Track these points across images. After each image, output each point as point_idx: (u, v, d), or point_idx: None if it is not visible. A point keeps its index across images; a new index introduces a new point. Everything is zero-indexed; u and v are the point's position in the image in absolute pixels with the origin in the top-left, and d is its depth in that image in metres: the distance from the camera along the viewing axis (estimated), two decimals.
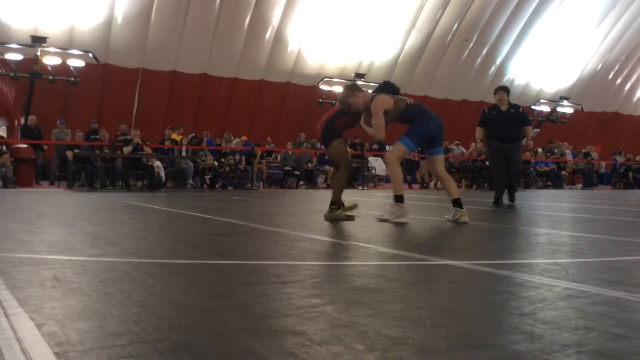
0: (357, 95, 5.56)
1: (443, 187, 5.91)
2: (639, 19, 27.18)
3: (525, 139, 9.07)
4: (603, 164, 23.94)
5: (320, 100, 21.58)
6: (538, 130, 22.14)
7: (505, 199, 8.93)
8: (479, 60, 25.16)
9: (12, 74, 16.74)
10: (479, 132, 9.12)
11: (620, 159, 23.19)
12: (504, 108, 8.84)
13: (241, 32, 20.36)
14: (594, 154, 23.48)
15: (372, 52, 22.83)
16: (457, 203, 5.54)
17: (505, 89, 9.08)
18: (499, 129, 8.79)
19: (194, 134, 17.39)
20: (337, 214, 5.57)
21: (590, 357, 1.50)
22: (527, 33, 25.28)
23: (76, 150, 13.67)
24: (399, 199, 5.48)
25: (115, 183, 13.87)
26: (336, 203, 5.61)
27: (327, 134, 5.71)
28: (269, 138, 18.72)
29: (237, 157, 15.54)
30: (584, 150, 23.23)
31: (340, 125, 5.79)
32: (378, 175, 19.68)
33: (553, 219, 6.63)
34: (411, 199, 10.21)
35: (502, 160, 8.87)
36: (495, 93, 9.11)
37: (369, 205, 8.33)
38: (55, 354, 1.48)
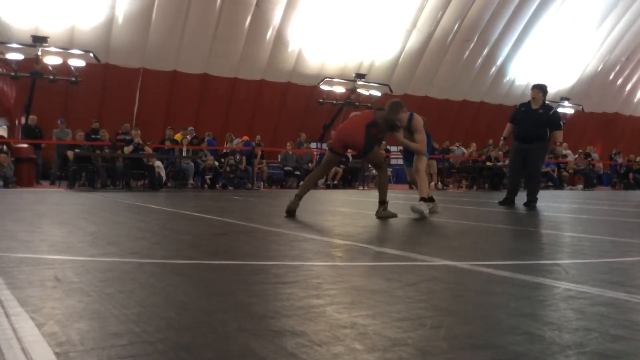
0: (406, 112, 6.28)
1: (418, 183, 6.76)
2: None
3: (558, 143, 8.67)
4: (601, 164, 23.89)
5: (321, 100, 21.58)
6: None
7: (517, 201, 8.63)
8: (479, 60, 25.14)
9: (13, 74, 16.73)
10: (506, 129, 8.89)
11: (619, 159, 23.20)
12: (534, 107, 8.55)
13: (242, 32, 20.35)
14: (595, 155, 23.47)
15: (372, 52, 22.82)
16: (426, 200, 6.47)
17: (540, 88, 8.72)
18: (522, 126, 8.52)
19: (194, 134, 17.39)
20: (389, 212, 5.98)
21: (590, 358, 1.51)
22: (527, 34, 25.26)
23: (77, 150, 13.67)
24: (425, 199, 6.41)
25: (115, 183, 13.88)
26: (385, 202, 6.06)
27: (369, 142, 6.09)
28: (258, 137, 18.62)
29: (238, 157, 15.54)
30: (580, 151, 23.20)
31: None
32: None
33: (553, 220, 6.63)
34: (412, 200, 10.21)
35: (519, 162, 8.62)
36: (531, 89, 8.84)
37: (369, 205, 8.33)
38: (56, 354, 1.48)
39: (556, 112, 8.87)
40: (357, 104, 22.45)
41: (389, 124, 6.14)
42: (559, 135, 8.62)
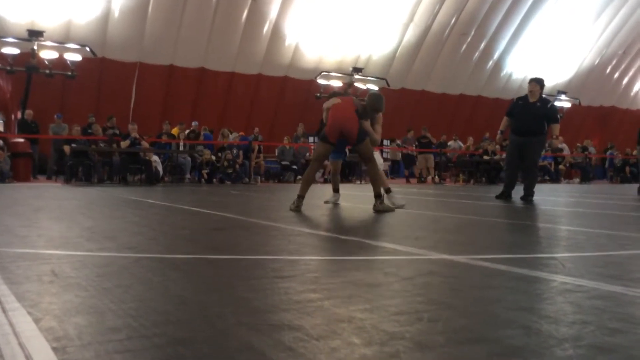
0: None
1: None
2: (637, 13, 27.15)
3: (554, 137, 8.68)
4: (593, 158, 23.90)
5: (318, 94, 21.55)
6: None
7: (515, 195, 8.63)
8: (476, 54, 25.11)
9: (8, 68, 16.65)
10: (503, 122, 8.89)
11: (615, 153, 23.26)
12: (532, 100, 8.52)
13: (239, 26, 20.28)
14: (592, 149, 23.50)
15: (369, 46, 22.77)
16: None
17: (538, 81, 8.69)
18: (519, 120, 8.51)
19: (191, 129, 17.37)
20: (386, 205, 6.10)
21: (587, 351, 1.51)
22: (524, 27, 25.24)
23: (73, 145, 13.64)
24: (389, 190, 6.65)
25: (112, 177, 13.85)
26: (380, 195, 6.10)
27: (362, 132, 6.14)
28: (256, 129, 18.59)
29: (235, 151, 15.52)
30: (578, 144, 23.23)
31: None
32: None
33: (550, 213, 6.65)
34: (409, 194, 10.22)
35: (516, 156, 8.61)
36: (529, 83, 8.82)
37: (366, 200, 8.32)
38: (53, 348, 1.48)
39: (553, 106, 8.86)
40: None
41: (369, 114, 6.27)
42: (556, 128, 8.61)
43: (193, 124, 17.04)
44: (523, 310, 1.92)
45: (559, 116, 8.76)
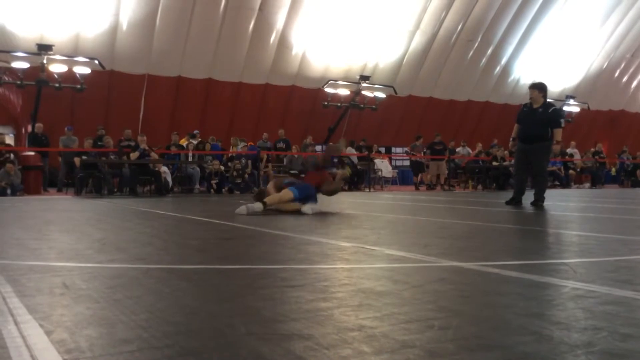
0: None
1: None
2: None
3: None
4: (606, 162, 23.80)
5: (326, 103, 21.60)
6: None
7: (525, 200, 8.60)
8: (483, 60, 25.09)
9: (18, 82, 16.83)
10: (514, 129, 8.87)
11: (626, 157, 23.13)
12: (535, 106, 8.56)
13: (245, 36, 20.41)
14: (602, 154, 23.40)
15: (376, 54, 22.83)
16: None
17: (536, 86, 8.71)
18: (524, 126, 8.54)
19: (200, 139, 17.47)
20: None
21: (599, 357, 1.50)
22: (531, 32, 25.21)
23: (84, 157, 13.73)
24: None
25: (122, 189, 13.92)
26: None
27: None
28: (281, 131, 18.69)
29: (243, 161, 15.58)
30: (593, 149, 23.13)
31: None
32: (384, 177, 19.71)
33: (561, 219, 6.61)
34: (418, 201, 10.20)
35: (523, 162, 8.63)
36: (529, 89, 8.86)
37: (375, 207, 8.31)
38: None
39: (556, 110, 8.79)
40: (362, 106, 22.46)
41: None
42: (558, 133, 8.55)
43: (194, 132, 17.19)
44: (534, 317, 1.91)
45: (562, 120, 8.70)
